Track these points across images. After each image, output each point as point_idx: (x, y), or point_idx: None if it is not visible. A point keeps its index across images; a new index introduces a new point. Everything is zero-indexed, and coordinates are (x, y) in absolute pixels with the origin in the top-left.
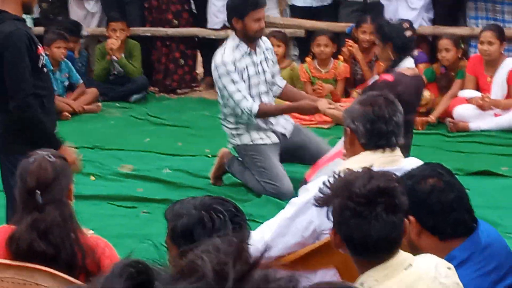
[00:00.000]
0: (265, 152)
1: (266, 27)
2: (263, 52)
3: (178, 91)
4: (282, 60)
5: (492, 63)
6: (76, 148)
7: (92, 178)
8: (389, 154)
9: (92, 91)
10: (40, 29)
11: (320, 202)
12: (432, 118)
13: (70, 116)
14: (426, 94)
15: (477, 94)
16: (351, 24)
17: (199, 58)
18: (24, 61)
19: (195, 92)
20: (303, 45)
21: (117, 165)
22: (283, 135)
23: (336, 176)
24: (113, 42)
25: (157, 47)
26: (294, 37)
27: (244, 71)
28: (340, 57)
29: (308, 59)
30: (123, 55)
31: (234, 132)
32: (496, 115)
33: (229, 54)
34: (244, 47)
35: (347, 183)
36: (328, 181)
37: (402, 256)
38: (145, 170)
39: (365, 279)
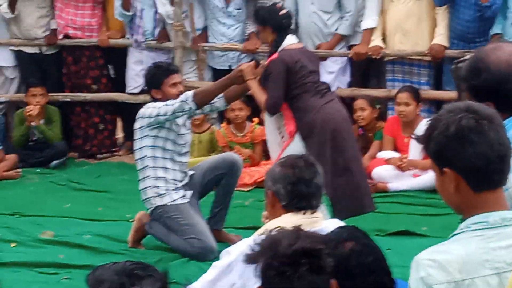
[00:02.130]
0: (186, 210)
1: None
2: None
3: (98, 156)
4: (202, 124)
5: (409, 124)
6: None
7: (13, 244)
8: (310, 215)
9: (11, 158)
10: None
11: (249, 259)
12: None
13: None
14: None
15: (396, 155)
16: None
17: (119, 123)
18: None
19: (115, 157)
20: None
21: (37, 231)
22: (190, 177)
23: (265, 235)
24: (32, 108)
25: (76, 113)
26: None
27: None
28: (256, 119)
29: (223, 124)
30: (42, 121)
31: (155, 192)
32: (415, 175)
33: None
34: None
35: (273, 242)
36: (258, 239)
37: None
38: (66, 236)
39: None
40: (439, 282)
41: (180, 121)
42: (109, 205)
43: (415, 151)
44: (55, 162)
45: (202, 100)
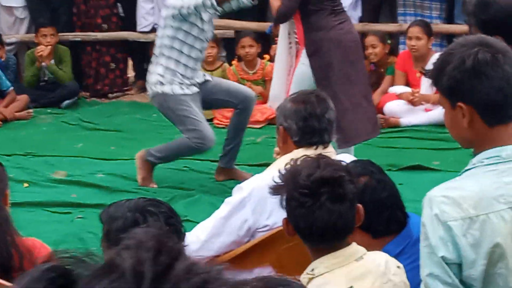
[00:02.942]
0: (185, 101)
1: None
2: None
3: (110, 95)
4: (214, 61)
5: (421, 59)
6: (8, 155)
7: (26, 185)
8: (322, 151)
9: (23, 98)
10: None
11: (272, 191)
12: None
13: (1, 123)
14: None
15: (407, 89)
16: (270, 24)
17: (130, 62)
18: None
19: (126, 96)
20: (230, 45)
21: (50, 171)
22: (200, 83)
23: (288, 166)
24: (43, 49)
25: (87, 52)
26: (223, 38)
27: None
28: (266, 56)
29: (234, 62)
30: (53, 61)
31: (159, 79)
32: (426, 110)
33: None
34: None
35: (294, 174)
36: (281, 170)
37: (355, 247)
38: (79, 176)
39: (316, 265)
40: (454, 219)
41: (205, 16)
42: (122, 144)
43: (426, 85)
44: (66, 102)
45: None
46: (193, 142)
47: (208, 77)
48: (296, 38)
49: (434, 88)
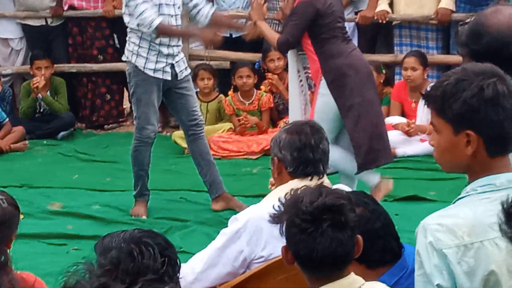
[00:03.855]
0: (150, 85)
1: (191, 59)
2: None
3: (105, 126)
4: (210, 92)
5: (416, 89)
6: (4, 187)
7: (21, 216)
8: (317, 182)
9: (19, 130)
10: None
11: (273, 219)
12: None
13: None
14: None
15: (403, 120)
16: (257, 59)
17: (126, 93)
18: None
19: (122, 127)
20: (223, 76)
21: (46, 203)
22: (176, 75)
23: (289, 194)
24: (38, 81)
25: (83, 83)
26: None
27: None
28: (262, 87)
29: (230, 92)
30: (48, 93)
31: (135, 49)
32: (422, 140)
33: None
34: None
35: (295, 201)
36: (282, 198)
37: (353, 277)
38: (75, 207)
39: None
40: (449, 246)
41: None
42: (117, 176)
43: (422, 116)
44: (62, 133)
45: (162, 33)
46: (136, 134)
47: (184, 74)
48: (308, 73)
49: (429, 119)
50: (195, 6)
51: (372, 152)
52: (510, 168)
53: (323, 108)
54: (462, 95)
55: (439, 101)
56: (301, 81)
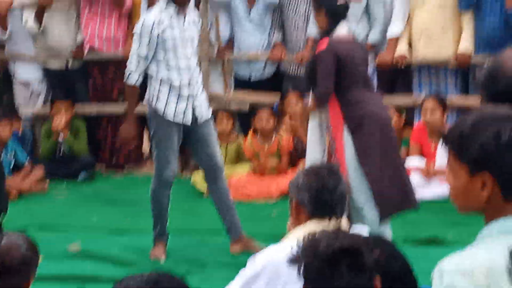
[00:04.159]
0: (170, 128)
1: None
2: (193, 20)
3: (125, 168)
4: (230, 134)
5: (436, 131)
6: (24, 228)
7: (40, 258)
8: (335, 223)
9: (39, 171)
10: None
11: (291, 261)
12: None
13: (17, 196)
14: None
15: (423, 162)
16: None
17: (145, 135)
18: None
19: (142, 169)
20: (242, 118)
21: (65, 244)
22: (196, 119)
23: (307, 237)
24: (59, 123)
25: (103, 125)
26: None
27: (167, 31)
28: (282, 130)
29: (250, 134)
30: (69, 134)
31: (155, 93)
32: (441, 182)
33: (154, 15)
34: (171, 9)
35: (313, 243)
36: (300, 241)
37: None
38: (94, 249)
39: None
40: None
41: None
42: (137, 217)
43: (441, 158)
44: (82, 174)
45: (127, 92)
46: (153, 180)
47: (205, 118)
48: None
49: None
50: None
51: (394, 199)
52: None
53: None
54: (478, 138)
55: (456, 143)
56: (322, 125)
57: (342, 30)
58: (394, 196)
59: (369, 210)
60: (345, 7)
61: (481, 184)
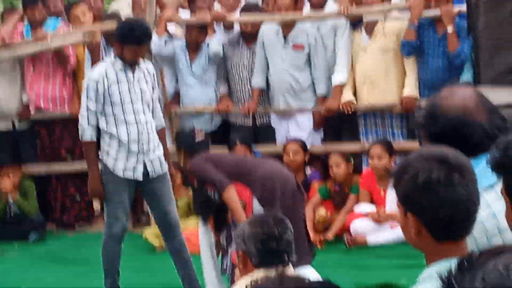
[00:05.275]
0: (120, 184)
1: None
2: (143, 73)
3: (76, 227)
4: (179, 189)
5: (384, 177)
6: None
7: None
8: (281, 271)
9: None
10: None
11: None
12: (329, 235)
13: None
14: (322, 212)
15: (373, 208)
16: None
17: None
18: None
19: (93, 227)
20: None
21: None
22: (148, 174)
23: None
24: (6, 184)
25: (52, 184)
26: None
27: (114, 85)
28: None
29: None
30: (18, 195)
31: (106, 148)
32: (392, 227)
33: (99, 70)
34: (119, 64)
35: None
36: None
37: None
38: None
39: None
40: None
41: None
42: (90, 277)
43: (391, 203)
44: (33, 235)
45: (83, 146)
46: (103, 234)
47: (158, 173)
48: None
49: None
50: (153, 109)
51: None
52: (465, 252)
53: None
54: (403, 178)
55: (393, 182)
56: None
57: None
58: None
59: None
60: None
61: (411, 224)
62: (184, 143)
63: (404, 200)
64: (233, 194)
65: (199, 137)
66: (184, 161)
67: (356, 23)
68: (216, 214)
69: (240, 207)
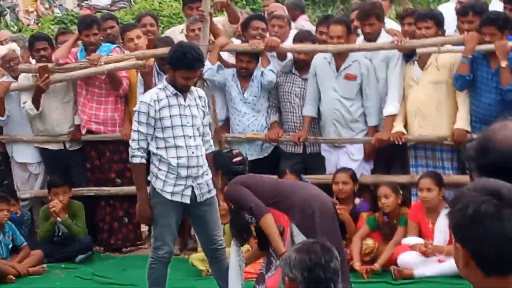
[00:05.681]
0: (167, 207)
1: None
2: (195, 98)
3: (123, 249)
4: (227, 214)
5: (433, 210)
6: None
7: None
8: None
9: (37, 253)
10: None
11: None
12: (377, 266)
13: (14, 279)
14: (370, 242)
15: (420, 240)
16: None
17: None
18: None
19: (140, 250)
20: None
21: None
22: (195, 198)
23: None
24: (56, 205)
25: (101, 206)
26: None
27: (165, 109)
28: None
29: None
30: (67, 216)
31: (155, 171)
32: (440, 261)
33: (151, 94)
34: (170, 89)
35: None
36: None
37: None
38: None
39: None
40: None
41: (158, 106)
42: None
43: (439, 236)
44: (80, 256)
45: (133, 172)
46: (151, 254)
47: (206, 197)
48: None
49: (447, 239)
50: (203, 134)
51: None
52: None
53: None
54: (455, 208)
55: (449, 211)
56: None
57: None
58: None
59: None
60: (241, 164)
61: (460, 255)
62: (221, 164)
63: (453, 230)
64: (270, 222)
65: (237, 158)
66: (222, 183)
67: (409, 55)
68: (257, 233)
69: (277, 235)
